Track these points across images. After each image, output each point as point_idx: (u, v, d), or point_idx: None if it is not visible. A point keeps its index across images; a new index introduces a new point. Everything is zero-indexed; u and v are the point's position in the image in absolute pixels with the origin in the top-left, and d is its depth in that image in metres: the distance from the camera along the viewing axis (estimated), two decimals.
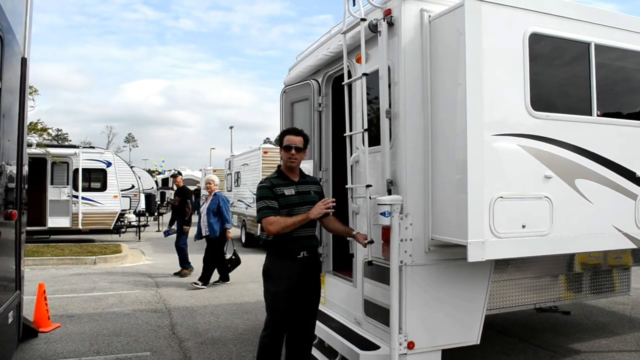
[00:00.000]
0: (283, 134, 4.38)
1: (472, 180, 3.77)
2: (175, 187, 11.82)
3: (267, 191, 4.15)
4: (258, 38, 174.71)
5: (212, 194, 9.86)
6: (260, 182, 4.30)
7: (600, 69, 4.51)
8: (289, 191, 4.17)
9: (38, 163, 16.09)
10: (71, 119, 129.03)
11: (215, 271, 9.93)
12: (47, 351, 5.82)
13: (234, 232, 21.19)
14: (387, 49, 4.18)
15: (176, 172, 12.17)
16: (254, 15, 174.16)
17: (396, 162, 4.19)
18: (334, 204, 4.15)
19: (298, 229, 4.07)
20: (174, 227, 11.27)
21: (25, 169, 5.64)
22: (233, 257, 9.99)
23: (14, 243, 5.12)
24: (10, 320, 4.89)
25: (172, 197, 11.58)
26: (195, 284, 9.59)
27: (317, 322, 4.92)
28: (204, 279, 9.69)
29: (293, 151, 4.20)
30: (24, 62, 5.31)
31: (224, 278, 10.05)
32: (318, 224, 5.03)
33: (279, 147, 4.44)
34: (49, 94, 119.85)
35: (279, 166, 4.39)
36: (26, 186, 5.77)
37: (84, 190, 16.97)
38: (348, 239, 4.67)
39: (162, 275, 11.02)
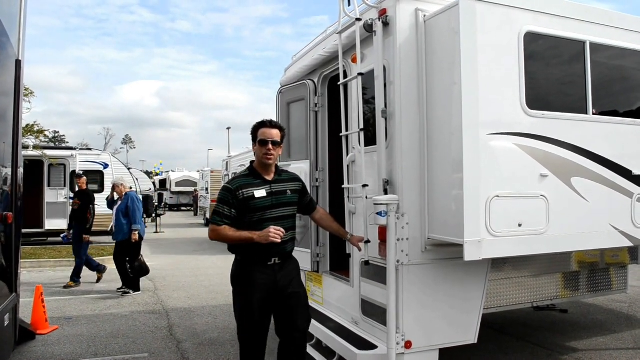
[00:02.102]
0: (257, 127, 3.86)
1: (468, 179, 3.77)
2: (77, 189, 10.58)
3: (226, 195, 3.73)
4: (255, 39, 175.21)
5: (124, 194, 9.30)
6: (226, 182, 3.88)
7: (595, 67, 4.51)
8: (260, 192, 3.74)
9: (35, 165, 16.06)
10: (66, 121, 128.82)
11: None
12: (44, 353, 5.81)
13: None
14: (383, 49, 4.18)
15: (80, 173, 11.01)
16: (251, 17, 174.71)
17: (392, 161, 4.18)
18: (284, 235, 3.69)
19: None
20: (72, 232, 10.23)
21: (21, 171, 5.63)
22: (136, 263, 9.15)
23: (10, 245, 5.11)
24: (6, 323, 4.88)
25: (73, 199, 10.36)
26: (123, 291, 9.19)
27: (315, 322, 4.92)
28: (127, 282, 9.26)
29: (269, 146, 3.76)
30: (18, 64, 5.30)
31: (134, 287, 9.29)
32: (313, 224, 5.01)
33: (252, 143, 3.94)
34: (43, 96, 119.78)
35: (251, 163, 3.95)
36: (22, 188, 5.76)
37: None
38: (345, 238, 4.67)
39: (159, 277, 11.00)
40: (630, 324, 6.75)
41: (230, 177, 19.40)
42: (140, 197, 9.66)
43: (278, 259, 3.81)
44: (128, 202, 9.11)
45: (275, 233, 3.61)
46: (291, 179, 4.02)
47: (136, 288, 9.31)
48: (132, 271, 9.15)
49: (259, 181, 3.80)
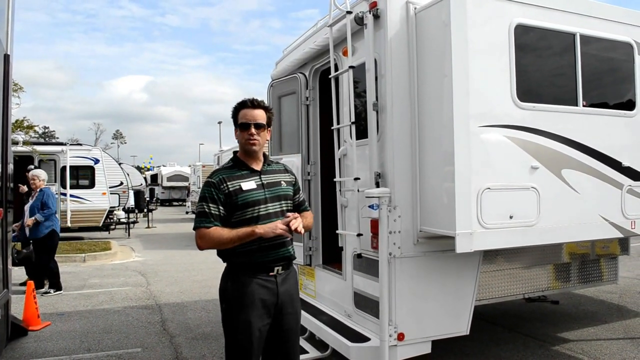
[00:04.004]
0: (237, 108, 3.18)
1: (459, 171, 3.78)
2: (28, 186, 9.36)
3: (209, 190, 3.04)
4: (246, 33, 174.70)
5: (38, 190, 8.57)
6: (208, 177, 3.16)
7: (585, 59, 4.53)
8: (248, 184, 3.08)
9: (25, 161, 15.93)
10: (54, 117, 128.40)
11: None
12: (37, 349, 5.79)
13: None
14: (373, 42, 4.17)
15: (31, 168, 10.17)
16: (238, 11, 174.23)
17: (384, 154, 4.18)
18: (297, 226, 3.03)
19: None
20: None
21: (11, 167, 5.59)
22: (24, 250, 8.48)
23: (0, 241, 5.08)
24: None
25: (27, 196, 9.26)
26: (44, 291, 8.67)
27: (308, 315, 4.94)
28: (53, 284, 8.79)
29: (252, 130, 3.09)
30: (6, 58, 5.25)
31: (55, 286, 8.78)
32: None
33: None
34: (31, 91, 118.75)
35: (235, 153, 3.29)
36: (12, 184, 5.72)
37: (72, 187, 16.83)
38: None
39: (152, 272, 10.98)
40: (620, 315, 6.81)
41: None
42: (55, 192, 8.70)
43: (281, 267, 3.14)
44: (43, 198, 8.46)
45: (286, 223, 3.01)
46: (283, 169, 3.33)
47: (58, 287, 8.82)
48: (17, 256, 8.38)
49: (245, 172, 3.13)
